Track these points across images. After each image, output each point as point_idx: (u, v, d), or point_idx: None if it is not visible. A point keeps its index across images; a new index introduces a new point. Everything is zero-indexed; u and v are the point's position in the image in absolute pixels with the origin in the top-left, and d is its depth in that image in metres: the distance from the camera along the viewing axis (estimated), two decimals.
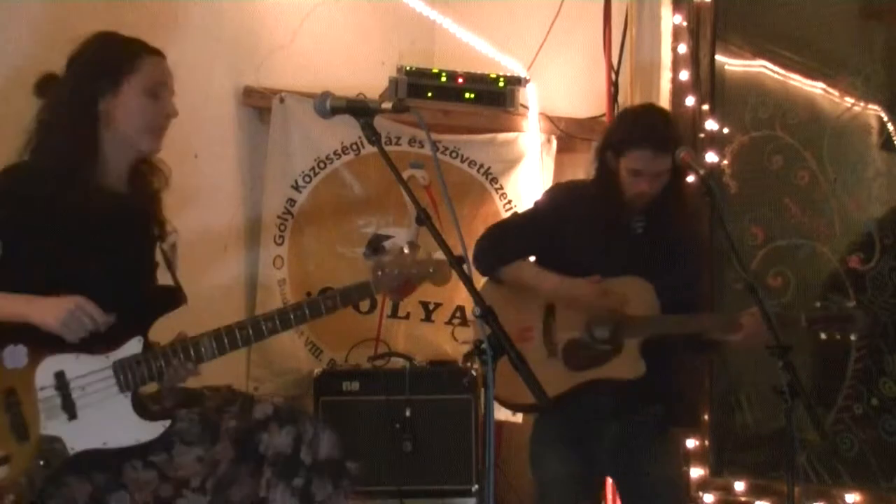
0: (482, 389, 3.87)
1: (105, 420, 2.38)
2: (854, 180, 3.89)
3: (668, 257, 3.16)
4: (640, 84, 4.36)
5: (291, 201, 4.42)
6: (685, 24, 4.24)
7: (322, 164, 4.45)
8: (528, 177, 4.50)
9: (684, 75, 4.23)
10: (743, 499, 4.00)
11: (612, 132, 3.27)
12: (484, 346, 2.09)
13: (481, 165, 4.52)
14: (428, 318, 4.49)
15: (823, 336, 3.06)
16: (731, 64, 4.20)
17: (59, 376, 2.36)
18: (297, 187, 4.43)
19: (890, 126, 3.82)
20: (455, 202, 2.45)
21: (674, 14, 4.26)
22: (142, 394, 2.47)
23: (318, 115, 2.35)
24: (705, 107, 4.19)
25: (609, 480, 3.57)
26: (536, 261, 3.23)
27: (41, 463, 2.32)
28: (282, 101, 4.38)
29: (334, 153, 4.45)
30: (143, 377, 2.43)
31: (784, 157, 4.05)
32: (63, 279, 2.38)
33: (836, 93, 3.95)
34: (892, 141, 3.81)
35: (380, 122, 2.33)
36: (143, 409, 2.45)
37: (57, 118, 2.45)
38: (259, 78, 4.46)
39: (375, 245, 4.44)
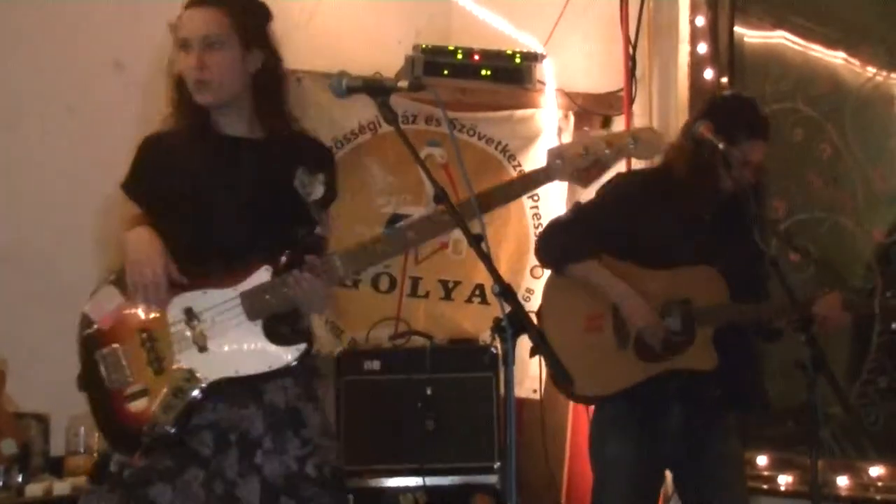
0: (503, 367, 3.87)
1: (236, 349, 2.46)
2: (877, 152, 3.86)
3: (737, 242, 3.13)
4: (658, 58, 4.35)
5: None
6: None
7: (340, 144, 4.45)
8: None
9: (703, 48, 4.21)
10: (766, 473, 3.99)
11: (717, 123, 3.10)
12: (504, 323, 2.09)
13: (499, 142, 4.51)
14: (447, 297, 4.50)
15: (895, 326, 3.05)
16: (751, 35, 4.17)
17: (188, 311, 2.47)
18: None
19: None
20: (473, 180, 2.44)
21: None
22: (277, 321, 2.51)
23: (335, 94, 2.35)
24: (724, 80, 4.17)
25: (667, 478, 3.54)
26: (605, 251, 3.15)
27: (176, 394, 2.44)
28: (299, 81, 4.36)
29: (352, 133, 4.45)
30: (270, 305, 2.46)
31: (805, 130, 4.03)
32: (182, 225, 2.52)
33: (857, 63, 3.92)
34: None
35: (396, 101, 2.33)
36: (277, 336, 2.49)
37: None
38: None
39: (394, 224, 4.48)
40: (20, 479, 3.50)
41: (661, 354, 3.06)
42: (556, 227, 3.27)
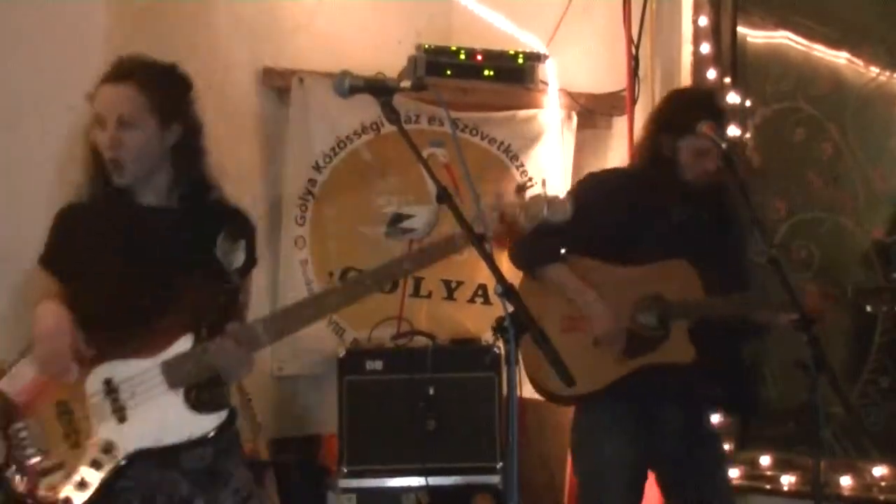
0: (505, 367, 3.88)
1: (156, 419, 2.43)
2: (878, 152, 3.88)
3: (704, 244, 3.14)
4: (661, 58, 4.36)
5: (312, 182, 4.44)
6: None
7: (342, 144, 4.47)
8: (549, 153, 4.51)
9: (705, 48, 4.22)
10: (768, 473, 4.01)
11: (670, 116, 3.20)
12: (506, 323, 2.09)
13: (501, 142, 4.52)
14: (450, 297, 4.52)
15: (869, 308, 3.05)
16: (753, 35, 4.18)
17: (108, 382, 2.43)
18: (317, 167, 4.45)
19: None
20: (475, 180, 2.44)
21: None
22: (198, 388, 2.48)
23: (338, 94, 2.33)
24: (727, 80, 4.18)
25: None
26: (577, 250, 3.17)
27: (94, 466, 2.38)
28: (301, 81, 4.39)
29: (354, 133, 4.47)
30: (191, 373, 2.43)
31: (807, 130, 4.04)
32: (102, 297, 2.47)
33: (860, 62, 3.93)
34: None
35: (399, 101, 2.34)
36: (198, 403, 2.46)
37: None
38: (278, 59, 4.47)
39: (396, 223, 4.49)
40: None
41: (638, 349, 3.08)
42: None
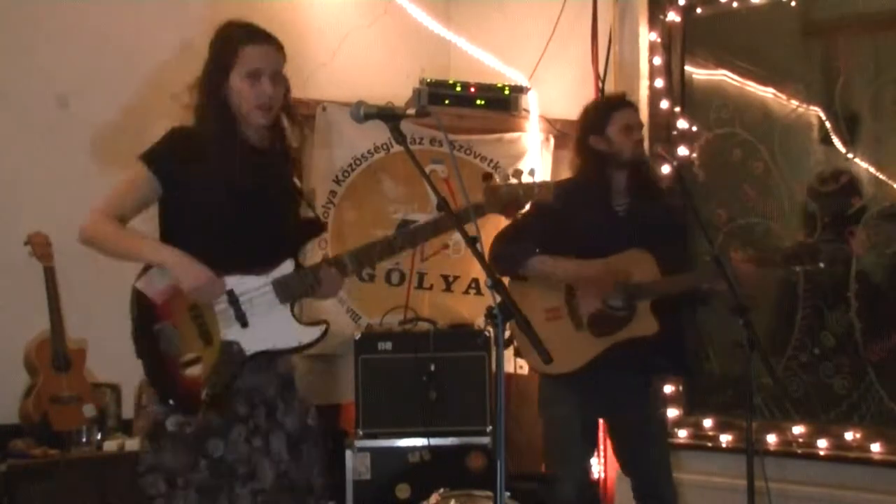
0: (494, 347, 3.90)
1: (271, 327, 2.45)
2: (799, 168, 3.92)
3: (648, 229, 3.15)
4: (623, 90, 4.38)
5: (333, 193, 4.45)
6: (659, 40, 4.25)
7: (358, 162, 4.47)
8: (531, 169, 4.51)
9: (659, 83, 4.25)
10: (710, 433, 4.05)
11: (589, 118, 3.24)
12: (495, 311, 2.11)
13: (491, 160, 4.54)
14: (448, 289, 4.52)
15: (798, 268, 3.06)
16: (698, 73, 4.21)
17: (230, 293, 2.44)
18: (337, 181, 4.46)
19: (827, 124, 3.85)
20: (469, 191, 2.47)
21: (650, 32, 4.28)
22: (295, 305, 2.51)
23: (354, 120, 2.32)
24: (677, 109, 4.21)
25: (602, 428, 3.56)
26: (544, 251, 3.18)
27: (224, 361, 2.42)
28: (324, 109, 4.40)
29: (368, 152, 4.47)
30: (298, 291, 2.47)
31: (742, 151, 4.07)
32: (220, 220, 2.46)
33: (783, 97, 3.97)
34: (829, 136, 3.84)
35: (405, 126, 2.33)
36: (300, 316, 2.51)
37: (200, 97, 2.53)
38: (305, 90, 4.49)
39: (404, 227, 4.51)
40: (99, 436, 3.53)
41: (611, 328, 3.08)
42: (502, 239, 3.26)
